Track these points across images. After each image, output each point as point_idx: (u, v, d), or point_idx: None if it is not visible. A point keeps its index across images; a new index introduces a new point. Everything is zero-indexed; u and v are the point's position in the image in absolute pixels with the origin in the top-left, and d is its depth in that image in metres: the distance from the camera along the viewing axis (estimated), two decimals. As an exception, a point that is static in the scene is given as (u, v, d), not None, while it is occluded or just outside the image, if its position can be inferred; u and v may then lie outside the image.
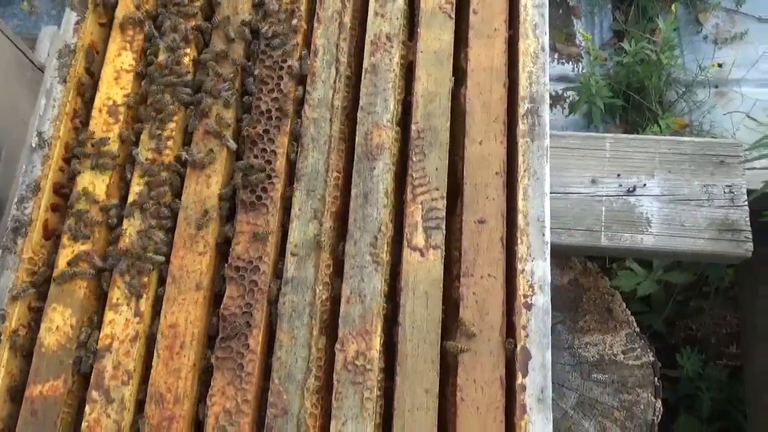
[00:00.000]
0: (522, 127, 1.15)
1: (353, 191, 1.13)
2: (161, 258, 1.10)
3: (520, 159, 1.13)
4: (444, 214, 1.11)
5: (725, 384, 2.41)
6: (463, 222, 1.10)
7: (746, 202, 1.84)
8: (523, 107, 1.16)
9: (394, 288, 1.11)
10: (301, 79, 1.20)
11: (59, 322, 1.08)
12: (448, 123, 1.17)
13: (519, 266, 1.07)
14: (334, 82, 1.20)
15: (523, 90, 1.16)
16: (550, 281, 1.06)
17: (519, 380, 1.01)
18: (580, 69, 3.03)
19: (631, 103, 2.87)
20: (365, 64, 1.21)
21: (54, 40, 2.00)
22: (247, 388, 1.03)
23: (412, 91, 1.19)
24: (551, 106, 3.00)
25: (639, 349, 2.03)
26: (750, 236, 1.82)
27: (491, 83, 1.19)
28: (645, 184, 1.90)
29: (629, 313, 2.06)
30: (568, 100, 3.02)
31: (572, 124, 2.97)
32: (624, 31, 3.05)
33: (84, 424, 1.03)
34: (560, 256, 2.09)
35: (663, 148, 1.93)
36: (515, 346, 1.01)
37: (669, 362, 2.39)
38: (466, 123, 1.17)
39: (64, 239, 1.12)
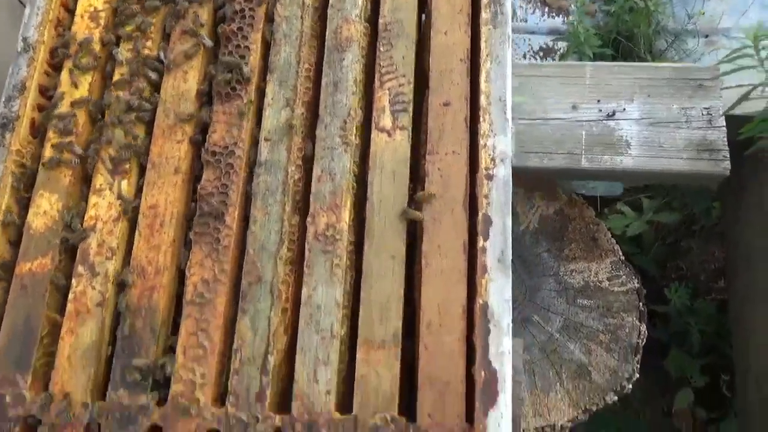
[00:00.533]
0: (485, 15, 1.19)
1: (323, 81, 1.18)
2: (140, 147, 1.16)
3: (483, 45, 1.17)
4: (411, 98, 1.16)
5: (714, 317, 2.45)
6: (429, 106, 1.15)
7: (724, 123, 1.87)
8: (485, -3, 1.20)
9: (364, 171, 1.16)
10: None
11: (46, 207, 1.14)
12: (415, 15, 1.21)
13: (481, 142, 1.11)
14: (305, -18, 1.25)
15: (485, -19, 1.21)
16: (511, 155, 1.10)
17: (480, 244, 1.06)
18: (570, 21, 3.04)
19: (620, 52, 2.89)
20: (335, -36, 1.26)
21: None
22: (223, 260, 1.09)
23: (380, -11, 1.24)
24: (542, 57, 3.03)
25: (624, 276, 2.07)
26: (727, 155, 1.86)
27: (456, -22, 1.23)
28: (624, 109, 1.94)
29: (614, 242, 2.10)
30: (558, 52, 3.04)
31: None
32: (614, -16, 3.06)
33: (71, 295, 1.09)
34: (547, 188, 2.14)
35: (642, 74, 1.96)
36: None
37: (660, 302, 2.43)
38: (432, 17, 1.21)
39: (50, 134, 1.18)
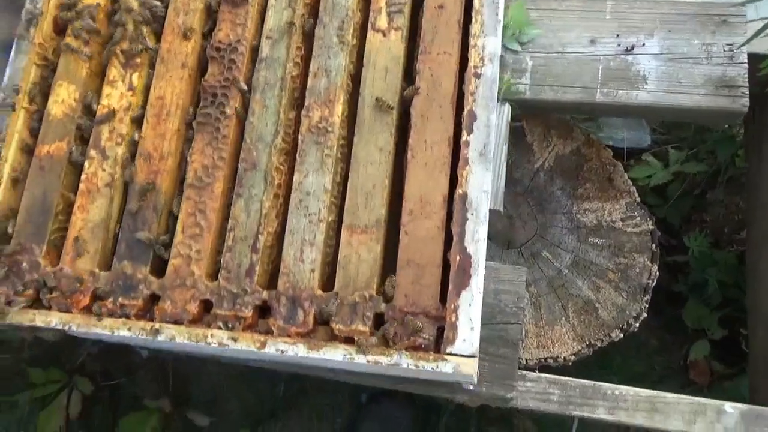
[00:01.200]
0: (485, -76, 1.21)
1: (325, -16, 1.23)
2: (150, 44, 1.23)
3: (480, -51, 1.19)
4: (407, 0, 1.19)
5: (734, 267, 2.41)
6: (424, 8, 1.18)
7: (745, 60, 1.83)
8: None
9: (359, 71, 1.20)
10: None
11: (64, 96, 1.22)
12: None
13: (472, 42, 1.14)
14: None
15: None
16: (499, 55, 1.13)
17: (464, 138, 1.09)
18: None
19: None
20: None
21: None
22: (222, 148, 1.16)
23: None
24: None
25: (638, 218, 2.06)
26: (746, 92, 1.82)
27: None
28: (644, 44, 1.91)
29: (630, 183, 2.09)
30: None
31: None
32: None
33: (83, 176, 1.18)
34: (563, 127, 2.13)
35: (665, 9, 1.93)
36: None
37: (682, 255, 2.41)
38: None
39: (70, 30, 1.26)
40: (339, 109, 1.15)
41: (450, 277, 1.03)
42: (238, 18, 1.22)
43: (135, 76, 1.22)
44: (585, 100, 1.92)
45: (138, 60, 1.23)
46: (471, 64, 1.13)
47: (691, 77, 1.87)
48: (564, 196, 2.11)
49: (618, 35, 1.94)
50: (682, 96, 1.87)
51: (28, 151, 1.22)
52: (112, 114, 1.20)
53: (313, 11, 1.24)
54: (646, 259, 2.03)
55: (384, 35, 1.18)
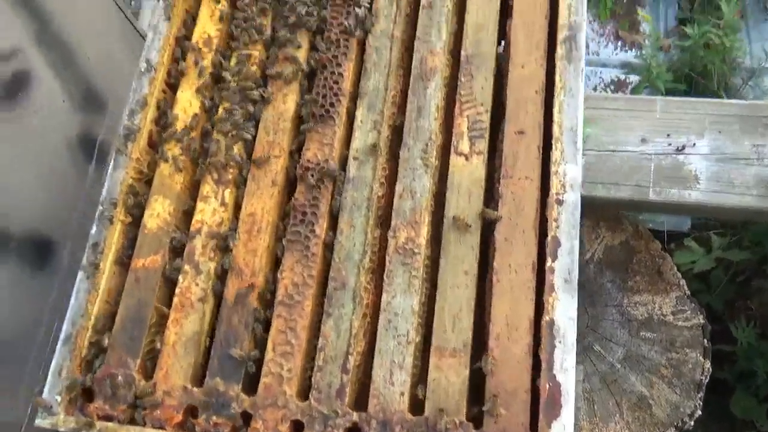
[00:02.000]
0: (560, 51, 1.28)
1: (408, 107, 1.29)
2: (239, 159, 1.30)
3: (557, 78, 1.26)
4: (487, 125, 1.26)
5: (782, 360, 2.40)
6: (505, 133, 1.24)
7: (797, 161, 1.88)
8: (562, 34, 1.29)
9: (442, 192, 1.26)
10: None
11: (159, 210, 1.29)
12: (494, 49, 1.31)
13: (553, 168, 1.19)
14: (395, 17, 1.37)
15: (562, 19, 1.30)
16: (580, 182, 1.18)
17: (549, 264, 1.13)
18: (642, 55, 3.07)
19: (693, 88, 2.90)
20: (423, 1, 1.38)
21: (155, 11, 2.27)
22: (312, 266, 1.20)
23: (463, 23, 1.35)
24: (613, 90, 3.07)
25: (689, 312, 2.07)
26: (799, 194, 1.86)
27: (534, 14, 1.33)
28: (694, 144, 1.97)
29: (680, 276, 2.11)
30: (630, 86, 3.07)
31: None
32: (689, 20, 3.07)
33: (177, 290, 1.22)
34: (612, 218, 2.17)
35: (713, 110, 1.99)
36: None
37: (726, 342, 2.39)
38: (510, 50, 1.31)
39: (167, 146, 1.34)
40: (424, 230, 1.20)
41: (540, 406, 1.05)
42: (326, 138, 1.29)
43: (227, 192, 1.28)
44: (637, 197, 1.97)
45: (230, 176, 1.29)
46: (553, 190, 1.18)
47: (742, 178, 1.92)
48: (614, 289, 2.12)
49: (668, 135, 2.00)
50: (734, 197, 1.91)
51: (124, 263, 1.27)
52: (205, 229, 1.25)
53: (397, 132, 1.30)
54: (698, 355, 2.03)
55: (466, 159, 1.23)
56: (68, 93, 1.86)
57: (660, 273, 2.16)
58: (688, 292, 2.10)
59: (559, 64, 1.27)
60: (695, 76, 2.84)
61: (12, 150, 1.66)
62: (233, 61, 1.38)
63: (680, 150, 1.97)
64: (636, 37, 3.26)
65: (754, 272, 2.68)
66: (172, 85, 1.41)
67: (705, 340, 2.06)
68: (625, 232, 2.20)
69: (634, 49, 3.22)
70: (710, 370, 2.04)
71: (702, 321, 2.06)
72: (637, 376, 2.03)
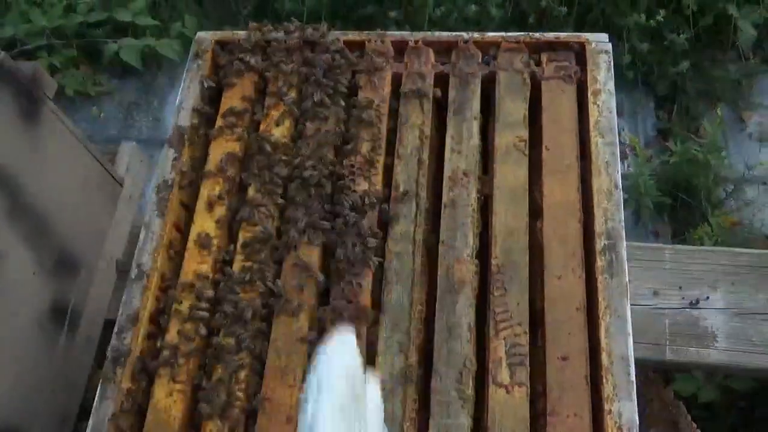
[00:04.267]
0: (600, 263, 1.18)
1: (437, 325, 1.17)
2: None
3: (600, 296, 1.16)
4: (527, 350, 1.14)
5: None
6: (547, 359, 1.13)
7: (815, 317, 1.82)
8: (599, 243, 1.20)
9: (477, 422, 1.12)
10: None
11: (154, 454, 1.11)
12: (527, 257, 1.21)
13: (606, 406, 1.07)
14: (415, 217, 1.26)
15: (599, 226, 1.21)
16: (638, 424, 1.06)
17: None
18: (626, 167, 3.07)
19: (679, 201, 2.90)
20: (444, 199, 1.28)
21: (132, 155, 2.13)
22: None
23: (489, 225, 1.25)
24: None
25: (706, 468, 1.96)
26: (818, 352, 1.79)
27: (566, 218, 1.24)
28: (708, 297, 1.90)
29: (695, 425, 2.00)
30: (614, 200, 3.03)
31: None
32: (668, 129, 3.10)
33: None
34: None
35: (724, 260, 1.93)
36: None
37: (731, 476, 2.29)
38: (543, 257, 1.21)
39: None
40: (466, 482, 1.05)
41: None
42: (345, 362, 1.15)
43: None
44: (654, 357, 1.86)
45: (236, 411, 1.13)
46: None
47: (761, 335, 1.84)
48: (631, 445, 2.00)
49: (681, 287, 1.93)
50: (756, 356, 1.83)
51: None
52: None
53: (425, 354, 1.17)
54: None
55: (507, 391, 1.11)
56: (39, 263, 1.69)
57: (675, 424, 2.05)
58: (705, 449, 2.00)
59: (600, 279, 1.17)
60: (680, 195, 2.84)
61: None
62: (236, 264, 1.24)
63: (694, 304, 1.89)
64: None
65: (759, 401, 2.60)
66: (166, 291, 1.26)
67: (725, 500, 1.94)
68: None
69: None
70: None
71: (720, 478, 1.95)
72: None
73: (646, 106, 3.30)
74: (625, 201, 2.84)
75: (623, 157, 3.16)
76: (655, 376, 2.08)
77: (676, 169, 2.89)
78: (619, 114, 3.23)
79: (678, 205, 2.91)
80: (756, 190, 2.93)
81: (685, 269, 1.94)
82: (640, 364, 1.94)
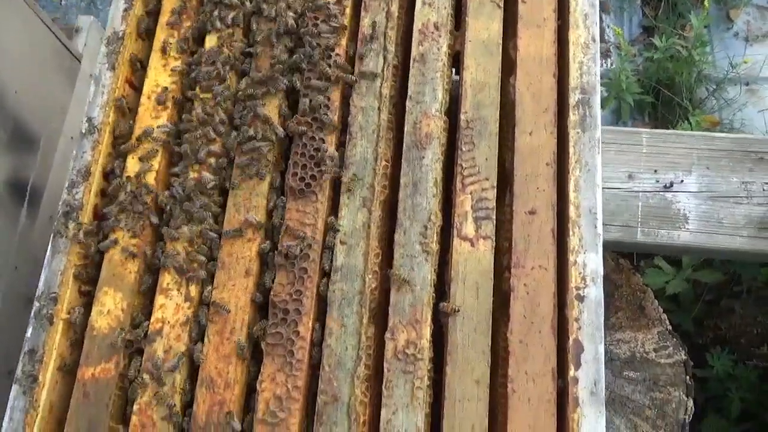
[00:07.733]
0: (573, 117, 1.14)
1: (402, 180, 1.13)
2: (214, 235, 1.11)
3: (571, 150, 1.12)
4: (494, 204, 1.11)
5: (755, 385, 2.39)
6: (514, 213, 1.10)
7: (786, 200, 1.82)
8: (573, 98, 1.15)
9: (442, 277, 1.10)
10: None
11: (110, 306, 1.08)
12: (497, 112, 1.16)
13: (571, 258, 1.06)
14: (382, 71, 1.19)
15: (573, 80, 1.16)
16: (602, 274, 1.05)
17: (571, 373, 1.00)
18: (609, 64, 3.00)
19: (660, 99, 2.85)
20: (413, 53, 1.21)
21: (90, 30, 2.01)
22: (297, 375, 1.03)
23: (461, 80, 1.19)
24: (579, 102, 2.97)
25: (671, 348, 2.01)
26: (790, 235, 1.80)
27: (541, 73, 1.18)
28: (682, 180, 1.88)
29: (661, 311, 2.04)
30: (595, 96, 2.98)
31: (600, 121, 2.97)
32: (653, 27, 3.01)
33: (135, 406, 1.03)
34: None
35: (700, 144, 1.91)
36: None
37: (697, 362, 2.37)
38: (515, 113, 1.16)
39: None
40: (427, 331, 1.04)
41: None
42: (307, 217, 1.11)
43: (192, 285, 1.09)
44: (625, 240, 1.87)
45: (195, 264, 1.10)
46: (572, 284, 1.04)
47: (732, 217, 1.84)
48: (597, 327, 2.04)
49: (656, 171, 1.91)
50: (724, 237, 1.84)
51: (69, 372, 1.07)
52: (167, 330, 1.06)
53: (389, 209, 1.14)
54: (681, 393, 1.97)
55: (472, 245, 1.08)
56: (-8, 134, 1.61)
57: (642, 308, 2.09)
58: (669, 327, 2.04)
59: (572, 134, 1.13)
60: (662, 89, 2.79)
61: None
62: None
63: (668, 187, 1.88)
64: (601, 45, 3.17)
65: (723, 293, 2.66)
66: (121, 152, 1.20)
67: (687, 378, 2.01)
68: (606, 266, 2.11)
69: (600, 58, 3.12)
70: (693, 409, 2.00)
71: (684, 357, 2.01)
72: (622, 418, 1.96)
73: (633, 3, 3.19)
74: (605, 98, 2.80)
75: (607, 55, 3.07)
76: (625, 263, 2.10)
77: (659, 65, 2.83)
78: (605, 9, 3.12)
79: (659, 104, 2.86)
80: (738, 90, 2.89)
81: (661, 153, 1.91)
82: (611, 247, 1.95)
